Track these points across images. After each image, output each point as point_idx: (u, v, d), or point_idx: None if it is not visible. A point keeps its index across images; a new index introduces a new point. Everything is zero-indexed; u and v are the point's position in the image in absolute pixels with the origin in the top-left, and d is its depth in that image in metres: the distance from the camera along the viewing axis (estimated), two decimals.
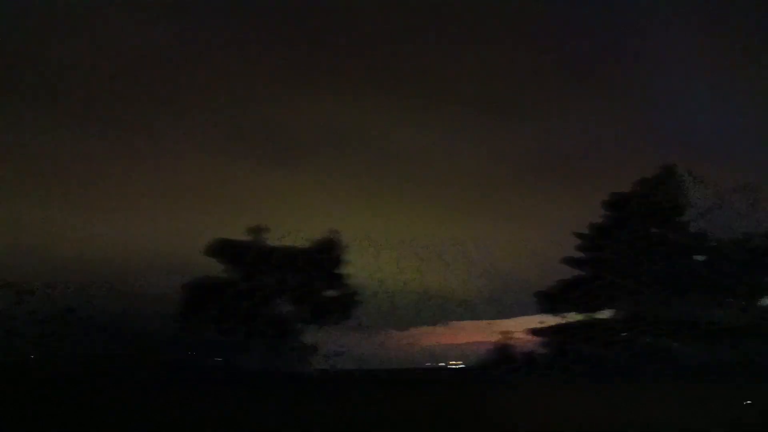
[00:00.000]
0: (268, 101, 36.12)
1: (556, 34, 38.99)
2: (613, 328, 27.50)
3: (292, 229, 27.57)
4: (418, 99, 37.01)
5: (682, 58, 38.97)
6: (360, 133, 36.01)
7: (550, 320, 27.81)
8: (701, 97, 38.79)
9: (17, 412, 16.51)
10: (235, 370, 24.98)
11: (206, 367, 25.25)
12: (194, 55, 35.44)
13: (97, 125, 32.27)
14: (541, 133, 37.81)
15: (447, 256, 29.71)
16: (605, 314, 28.13)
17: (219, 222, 27.75)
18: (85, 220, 27.99)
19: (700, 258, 28.70)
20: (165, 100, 33.98)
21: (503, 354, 27.25)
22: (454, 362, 29.98)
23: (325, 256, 27.39)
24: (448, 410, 19.20)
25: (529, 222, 33.25)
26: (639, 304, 27.72)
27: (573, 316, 27.83)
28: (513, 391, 23.18)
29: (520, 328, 28.06)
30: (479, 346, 28.38)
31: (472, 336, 29.58)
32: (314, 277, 27.37)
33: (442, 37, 38.18)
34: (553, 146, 37.53)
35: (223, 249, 26.18)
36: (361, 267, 28.24)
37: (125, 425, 16.87)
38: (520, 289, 28.73)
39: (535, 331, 27.73)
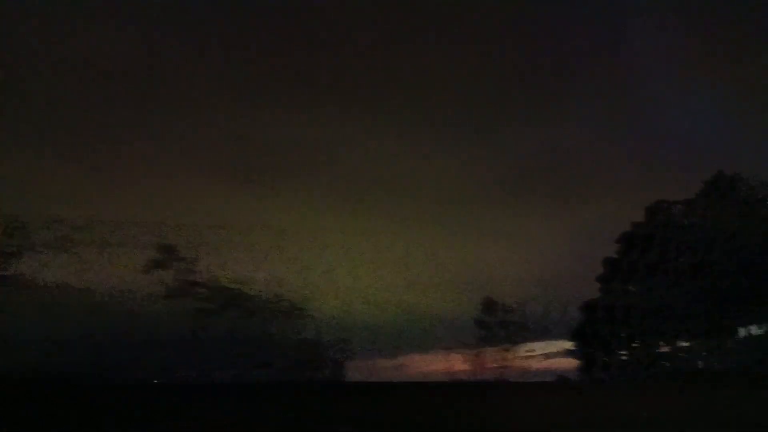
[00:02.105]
0: (239, 120, 35.33)
1: (533, 47, 39.31)
2: None
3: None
4: (393, 114, 36.66)
5: (667, 67, 40.43)
6: (336, 149, 35.46)
7: None
8: (688, 107, 40.76)
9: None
10: None
11: None
12: (165, 74, 34.64)
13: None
14: (519, 146, 38.10)
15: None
16: None
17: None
18: None
19: None
20: (138, 121, 33.08)
21: None
22: None
23: None
24: None
25: (509, 236, 33.73)
26: None
27: None
28: None
29: None
30: None
31: None
32: None
33: (418, 53, 37.94)
34: (533, 158, 37.76)
35: None
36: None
37: None
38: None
39: None
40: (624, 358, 31.47)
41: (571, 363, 32.41)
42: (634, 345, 31.30)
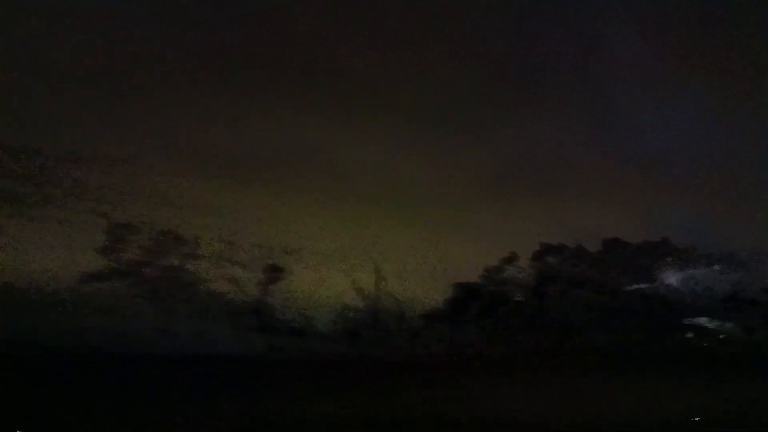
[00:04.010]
0: (215, 121, 34.76)
1: (504, 49, 38.41)
2: None
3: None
4: (367, 115, 36.35)
5: (648, 69, 39.45)
6: (310, 151, 35.45)
7: None
8: (657, 109, 39.61)
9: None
10: None
11: None
12: (144, 75, 33.82)
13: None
14: (493, 147, 37.67)
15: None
16: None
17: None
18: None
19: None
20: (118, 121, 32.80)
21: None
22: None
23: None
24: None
25: (484, 237, 34.68)
26: None
27: None
28: None
29: None
30: None
31: None
32: None
33: (391, 54, 37.28)
34: (505, 160, 37.60)
35: None
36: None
37: None
38: None
39: None
40: None
41: None
42: None
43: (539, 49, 39.15)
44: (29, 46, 30.48)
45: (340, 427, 21.49)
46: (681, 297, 35.57)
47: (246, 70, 35.57)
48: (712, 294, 35.39)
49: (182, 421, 19.79)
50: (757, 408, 25.40)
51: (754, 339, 34.49)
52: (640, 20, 39.35)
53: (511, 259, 33.74)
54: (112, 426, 18.65)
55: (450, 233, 34.01)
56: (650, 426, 24.36)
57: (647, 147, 40.27)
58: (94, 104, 32.35)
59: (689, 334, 35.35)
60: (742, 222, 35.82)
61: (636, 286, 35.52)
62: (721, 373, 31.48)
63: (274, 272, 31.12)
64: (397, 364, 31.30)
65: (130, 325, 27.78)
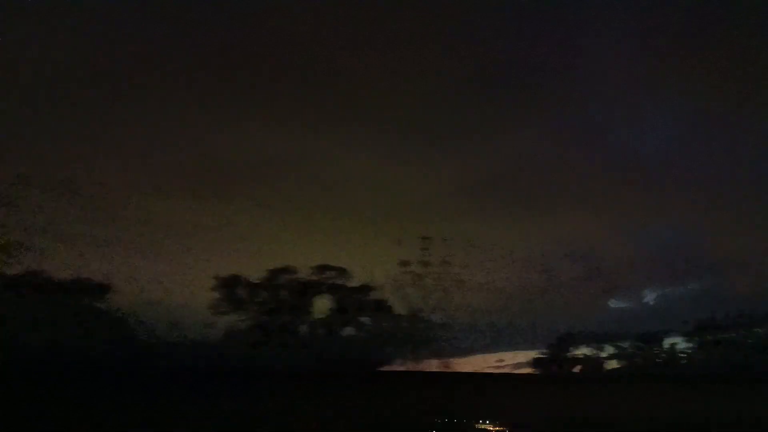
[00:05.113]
0: (198, 134, 36.12)
1: (489, 59, 39.83)
2: None
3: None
4: (349, 125, 37.38)
5: (631, 81, 41.45)
6: (292, 162, 36.41)
7: None
8: (651, 120, 41.73)
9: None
10: None
11: None
12: (123, 88, 35.20)
13: None
14: (478, 157, 38.89)
15: None
16: None
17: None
18: None
19: None
20: (96, 136, 34.02)
21: None
22: None
23: None
24: None
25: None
26: None
27: None
28: None
29: None
30: None
31: None
32: None
33: (382, 65, 38.21)
34: (491, 169, 38.93)
35: None
36: None
37: None
38: None
39: None
40: None
41: None
42: None
43: (524, 59, 40.51)
44: None
45: None
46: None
47: (224, 81, 36.50)
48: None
49: None
50: None
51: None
52: (627, 30, 41.25)
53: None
54: None
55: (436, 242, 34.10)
56: None
57: (632, 155, 42.22)
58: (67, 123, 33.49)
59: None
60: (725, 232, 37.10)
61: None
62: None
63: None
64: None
65: None
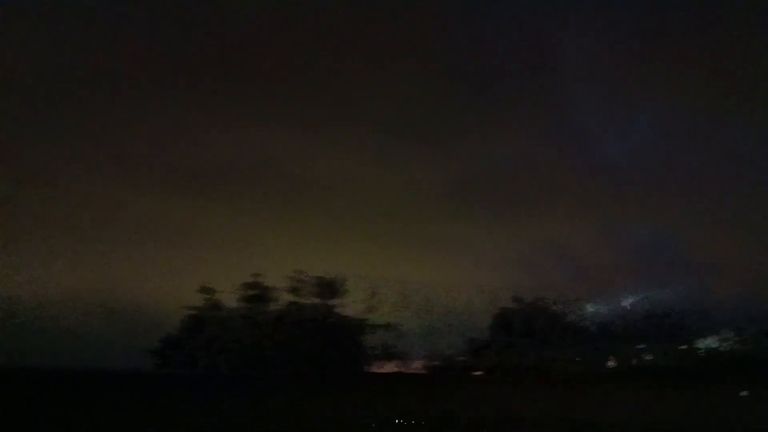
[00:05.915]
0: (178, 136, 36.56)
1: (468, 61, 39.82)
2: None
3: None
4: (331, 127, 37.34)
5: (612, 84, 42.28)
6: (272, 164, 36.59)
7: None
8: (632, 124, 42.32)
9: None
10: None
11: None
12: (103, 91, 35.72)
13: None
14: (459, 159, 39.02)
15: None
16: None
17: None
18: None
19: None
20: (81, 137, 34.64)
21: None
22: None
23: None
24: None
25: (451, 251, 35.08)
26: None
27: None
28: None
29: None
30: None
31: None
32: None
33: (361, 68, 38.38)
34: (471, 171, 38.92)
35: None
36: None
37: None
38: None
39: None
40: None
41: None
42: None
43: (509, 62, 41.04)
44: None
45: None
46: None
47: (204, 83, 36.69)
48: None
49: None
50: None
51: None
52: (611, 33, 42.15)
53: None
54: None
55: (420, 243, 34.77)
56: None
57: (618, 158, 42.35)
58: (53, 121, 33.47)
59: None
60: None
61: None
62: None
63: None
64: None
65: None
